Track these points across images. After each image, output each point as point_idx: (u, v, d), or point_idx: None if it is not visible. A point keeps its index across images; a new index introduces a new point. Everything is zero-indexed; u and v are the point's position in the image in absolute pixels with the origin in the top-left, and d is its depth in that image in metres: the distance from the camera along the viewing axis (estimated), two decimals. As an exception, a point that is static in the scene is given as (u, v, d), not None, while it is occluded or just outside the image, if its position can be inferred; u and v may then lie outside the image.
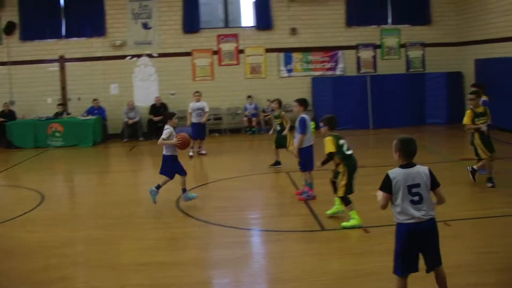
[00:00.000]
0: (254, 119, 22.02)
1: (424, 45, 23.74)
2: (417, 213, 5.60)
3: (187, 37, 22.47)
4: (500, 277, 6.90)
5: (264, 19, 22.66)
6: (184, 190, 11.07)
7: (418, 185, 5.63)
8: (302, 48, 23.05)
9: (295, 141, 11.44)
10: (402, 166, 5.76)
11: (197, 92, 17.20)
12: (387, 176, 5.73)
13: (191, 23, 22.31)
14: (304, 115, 11.23)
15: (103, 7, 22.02)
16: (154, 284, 7.15)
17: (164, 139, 10.83)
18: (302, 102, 11.38)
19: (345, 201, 9.20)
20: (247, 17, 24.16)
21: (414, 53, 23.80)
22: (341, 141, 9.19)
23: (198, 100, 16.97)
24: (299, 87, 22.46)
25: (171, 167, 11.03)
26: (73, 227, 9.89)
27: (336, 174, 9.46)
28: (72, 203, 12.45)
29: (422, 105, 22.56)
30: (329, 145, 9.11)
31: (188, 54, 22.51)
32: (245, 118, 22.14)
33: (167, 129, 10.96)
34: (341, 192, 9.18)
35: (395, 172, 5.73)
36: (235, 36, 22.78)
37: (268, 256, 8.30)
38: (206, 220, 9.91)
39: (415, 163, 5.78)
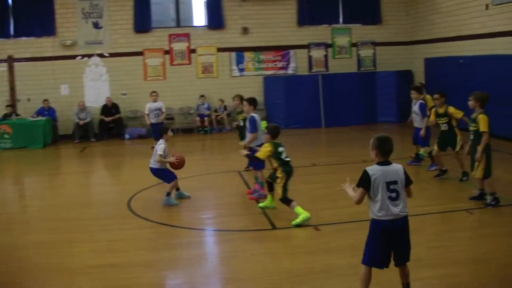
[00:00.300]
0: (206, 118, 21.98)
1: (375, 44, 24.08)
2: (395, 210, 5.76)
3: (138, 37, 22.31)
4: (449, 270, 7.09)
5: (215, 19, 22.66)
6: (168, 193, 11.01)
7: (395, 182, 5.79)
8: (254, 47, 23.13)
9: (245, 141, 11.53)
10: (379, 164, 5.88)
11: (154, 92, 17.11)
12: (366, 173, 5.83)
13: (143, 22, 22.16)
14: (254, 114, 11.44)
15: (53, 6, 21.65)
16: (104, 286, 7.12)
17: (161, 155, 10.92)
18: (251, 101, 11.59)
19: (286, 201, 9.49)
20: (199, 16, 24.18)
21: (365, 52, 24.12)
22: (280, 149, 9.61)
23: (155, 100, 16.87)
24: (251, 86, 22.53)
25: (165, 173, 11.13)
26: (23, 231, 9.74)
27: (272, 176, 9.84)
28: (22, 206, 12.24)
29: (373, 104, 22.87)
30: (263, 151, 9.65)
31: (139, 53, 22.35)
32: (198, 118, 22.11)
33: (161, 144, 11.05)
34: (279, 195, 9.56)
35: (374, 169, 5.84)
36: (186, 36, 22.72)
37: (220, 256, 8.34)
38: (158, 221, 9.89)
39: (391, 161, 5.93)
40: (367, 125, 21.61)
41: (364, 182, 5.82)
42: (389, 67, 23.54)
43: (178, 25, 23.17)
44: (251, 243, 8.64)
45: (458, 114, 11.88)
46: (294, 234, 8.95)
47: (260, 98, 22.07)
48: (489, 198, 9.83)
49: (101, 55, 22.14)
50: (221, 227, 9.67)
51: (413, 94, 13.58)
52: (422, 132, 13.12)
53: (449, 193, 11.12)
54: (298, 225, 9.16)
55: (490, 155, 9.78)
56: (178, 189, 11.36)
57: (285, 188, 9.48)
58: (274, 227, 9.27)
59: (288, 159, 9.63)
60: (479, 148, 9.61)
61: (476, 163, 9.75)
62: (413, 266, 6.14)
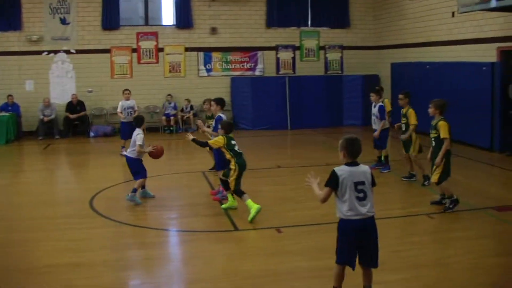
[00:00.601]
0: (172, 118, 21.89)
1: (342, 48, 24.25)
2: (362, 210, 5.86)
3: (106, 34, 22.12)
4: (411, 274, 7.17)
5: (184, 18, 22.57)
6: (135, 190, 10.93)
7: (363, 183, 5.91)
8: (222, 48, 23.11)
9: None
10: (347, 164, 5.97)
11: (126, 90, 16.87)
12: (334, 173, 5.92)
13: (111, 20, 21.97)
14: (221, 115, 11.45)
15: (19, 0, 21.38)
16: (63, 286, 7.03)
17: (141, 145, 10.92)
18: (219, 101, 11.64)
19: (238, 193, 9.80)
20: (168, 15, 24.02)
21: (333, 56, 24.28)
22: (233, 142, 9.91)
23: (128, 99, 16.67)
24: (218, 86, 22.51)
25: (139, 166, 11.10)
26: (-18, 228, 9.60)
27: (227, 173, 10.02)
28: (-19, 203, 12.05)
29: (340, 107, 23.00)
30: (215, 140, 9.94)
31: (106, 51, 22.16)
32: (164, 117, 22.00)
33: (140, 134, 11.02)
34: (232, 186, 9.85)
35: (342, 170, 5.93)
36: (154, 34, 22.60)
37: (182, 256, 8.32)
38: (120, 220, 9.82)
39: (359, 163, 6.03)
40: (332, 128, 21.72)
41: (332, 182, 5.91)
42: (356, 71, 23.74)
43: (146, 23, 23.02)
44: (213, 244, 8.63)
45: (411, 120, 12.13)
46: (256, 235, 8.97)
47: (227, 99, 22.04)
48: (447, 202, 9.98)
49: (67, 52, 21.88)
50: (184, 228, 9.65)
51: (372, 97, 13.83)
52: (376, 134, 13.49)
53: (411, 198, 11.28)
54: (252, 219, 9.38)
55: (449, 161, 9.95)
56: (143, 187, 11.31)
57: (238, 181, 9.75)
58: (236, 229, 9.26)
59: (240, 151, 9.88)
60: (440, 154, 9.78)
61: (434, 167, 9.92)
62: (376, 270, 6.18)
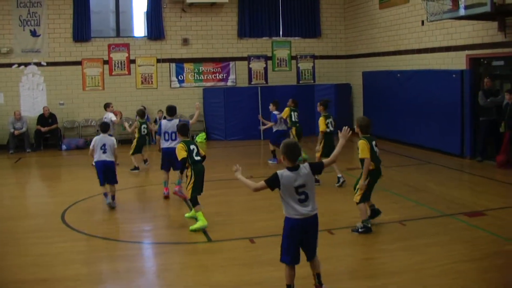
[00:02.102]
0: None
1: (314, 57, 24.35)
2: (303, 210, 6.21)
3: (77, 46, 21.95)
4: (382, 281, 7.16)
5: (155, 29, 22.50)
6: (106, 195, 11.44)
7: (303, 186, 6.21)
8: (194, 58, 23.08)
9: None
10: (288, 169, 6.27)
11: (111, 103, 17.23)
12: (276, 176, 6.28)
13: (82, 31, 21.81)
14: (162, 120, 12.62)
15: (-12, 13, 21.17)
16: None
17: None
18: (168, 109, 12.89)
19: (193, 202, 9.81)
20: (139, 27, 23.97)
21: (305, 65, 24.37)
22: (192, 147, 9.92)
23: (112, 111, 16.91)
24: (191, 97, 22.47)
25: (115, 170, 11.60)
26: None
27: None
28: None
29: (312, 116, 22.95)
30: (179, 153, 9.83)
31: (78, 63, 21.99)
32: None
33: (114, 139, 11.71)
34: (188, 194, 9.87)
35: (284, 175, 6.26)
36: (126, 46, 22.49)
37: (153, 269, 8.22)
38: (93, 233, 9.71)
39: (299, 165, 6.29)
40: (306, 138, 21.67)
41: (271, 181, 6.31)
42: (328, 80, 23.87)
43: (118, 35, 22.90)
44: (185, 256, 8.57)
45: (320, 127, 13.22)
46: (229, 246, 8.91)
47: (200, 109, 22.00)
48: (359, 226, 9.30)
49: (38, 64, 21.67)
50: (157, 240, 9.59)
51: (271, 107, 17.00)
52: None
53: (383, 205, 11.24)
54: (194, 231, 9.52)
55: (372, 184, 9.35)
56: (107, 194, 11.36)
57: (194, 188, 9.73)
58: (209, 240, 9.21)
59: (198, 158, 9.84)
60: (362, 176, 9.18)
61: (357, 187, 9.34)
62: (347, 278, 6.17)
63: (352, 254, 7.92)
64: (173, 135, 12.09)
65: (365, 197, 9.34)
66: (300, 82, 24.21)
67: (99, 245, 9.23)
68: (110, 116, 17.04)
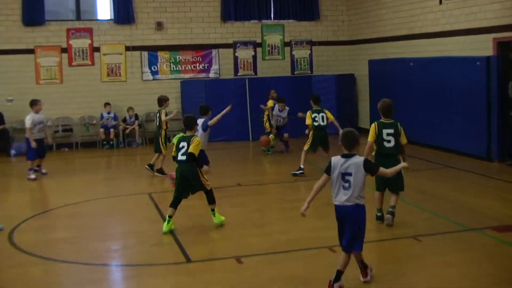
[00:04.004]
0: (112, 130, 21.68)
1: (311, 43, 24.38)
2: (343, 197, 7.37)
3: (28, 31, 21.77)
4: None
5: (124, 12, 22.38)
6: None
7: (349, 174, 7.35)
8: (170, 46, 23.04)
9: None
10: (342, 156, 7.47)
11: (39, 100, 16.67)
12: (330, 161, 7.53)
13: (33, 13, 21.60)
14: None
15: None
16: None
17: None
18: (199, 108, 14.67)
19: (172, 205, 10.47)
20: (104, 8, 23.90)
21: (300, 53, 24.41)
22: (182, 144, 10.59)
23: (39, 111, 16.43)
24: (166, 92, 22.18)
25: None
26: None
27: None
28: None
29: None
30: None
31: (30, 51, 21.84)
32: (102, 130, 21.77)
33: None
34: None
35: (336, 159, 7.48)
36: (88, 31, 22.39)
37: (123, 295, 8.21)
38: (49, 256, 9.60)
39: (354, 154, 7.42)
40: (302, 139, 21.62)
41: (327, 168, 7.52)
42: (328, 71, 23.94)
43: (78, 18, 22.75)
44: (160, 279, 8.51)
45: (307, 120, 15.43)
46: (212, 267, 8.89)
47: (177, 105, 22.03)
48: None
49: (-19, 53, 21.58)
50: (127, 261, 9.54)
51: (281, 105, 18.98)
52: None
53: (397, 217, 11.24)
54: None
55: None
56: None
57: (175, 190, 10.53)
58: (188, 260, 9.17)
59: (183, 157, 10.38)
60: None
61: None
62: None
63: (357, 276, 7.87)
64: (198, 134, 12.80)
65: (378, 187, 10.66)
66: (295, 73, 24.25)
67: (58, 270, 9.16)
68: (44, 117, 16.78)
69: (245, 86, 22.59)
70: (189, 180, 10.37)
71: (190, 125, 10.92)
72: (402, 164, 8.44)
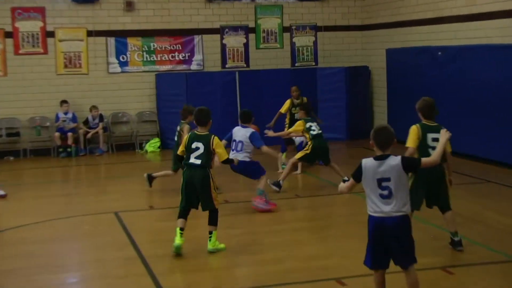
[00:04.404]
0: (70, 134, 21.55)
1: (316, 29, 24.37)
2: (385, 208, 7.21)
3: (-37, 11, 21.83)
4: None
5: (85, -13, 22.44)
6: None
7: (387, 179, 7.20)
8: (142, 31, 23.05)
9: None
10: (375, 158, 7.32)
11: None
12: (360, 165, 7.35)
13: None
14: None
15: None
16: None
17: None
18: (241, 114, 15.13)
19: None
20: (60, -16, 23.84)
21: (303, 40, 24.45)
22: (196, 144, 10.69)
23: None
24: (138, 87, 22.43)
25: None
26: None
27: None
28: None
29: (314, 113, 22.95)
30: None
31: (-34, 37, 21.88)
32: (57, 134, 21.64)
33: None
34: None
35: (367, 162, 7.32)
36: (40, 11, 22.33)
37: None
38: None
39: (389, 154, 7.27)
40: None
41: (355, 173, 7.39)
42: (337, 62, 23.96)
43: (27, -5, 22.80)
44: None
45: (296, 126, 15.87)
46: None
47: (151, 103, 21.98)
48: None
49: None
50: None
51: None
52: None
53: (420, 243, 11.10)
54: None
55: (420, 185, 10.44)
56: None
57: (181, 199, 10.68)
58: (162, 294, 9.13)
59: (192, 161, 10.54)
60: None
61: None
62: None
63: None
64: (240, 145, 13.79)
65: (413, 204, 9.49)
66: (296, 64, 24.33)
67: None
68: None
69: (235, 80, 22.66)
70: (196, 189, 10.38)
71: (204, 120, 10.88)
72: (445, 135, 8.54)
